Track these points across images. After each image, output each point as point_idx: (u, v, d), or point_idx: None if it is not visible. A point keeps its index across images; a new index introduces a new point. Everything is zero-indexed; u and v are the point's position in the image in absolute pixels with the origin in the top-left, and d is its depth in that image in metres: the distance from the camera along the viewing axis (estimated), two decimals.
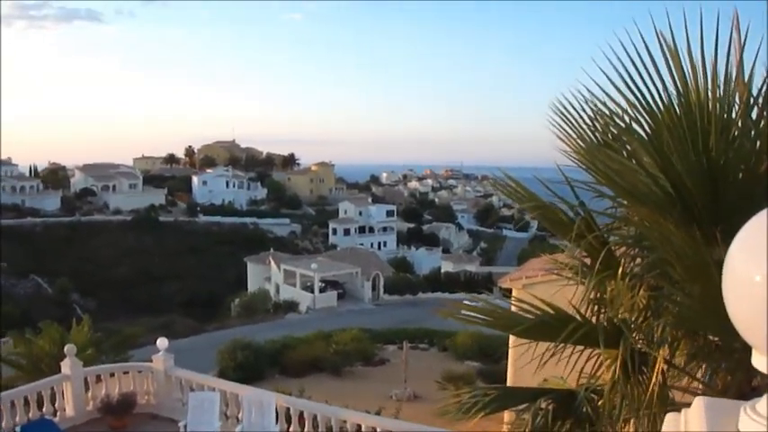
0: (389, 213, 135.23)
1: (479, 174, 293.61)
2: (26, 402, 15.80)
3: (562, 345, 5.16)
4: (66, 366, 16.84)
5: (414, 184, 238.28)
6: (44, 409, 16.11)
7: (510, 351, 17.61)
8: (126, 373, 17.94)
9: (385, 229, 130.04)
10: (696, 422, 1.97)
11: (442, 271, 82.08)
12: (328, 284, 67.82)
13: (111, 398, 17.06)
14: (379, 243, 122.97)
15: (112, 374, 17.88)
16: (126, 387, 17.58)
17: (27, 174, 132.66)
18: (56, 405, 16.55)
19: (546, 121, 5.54)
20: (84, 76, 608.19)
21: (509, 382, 19.05)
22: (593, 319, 5.34)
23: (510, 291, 19.73)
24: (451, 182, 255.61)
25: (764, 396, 1.92)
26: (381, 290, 69.97)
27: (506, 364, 21.91)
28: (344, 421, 14.14)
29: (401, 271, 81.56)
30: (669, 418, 2.18)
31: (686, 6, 4.55)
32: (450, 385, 28.51)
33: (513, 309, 6.04)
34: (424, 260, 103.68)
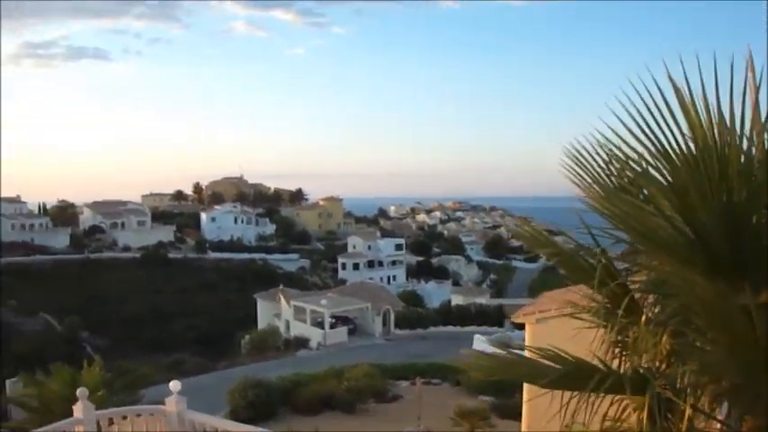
0: (398, 247, 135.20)
1: (487, 205, 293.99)
2: None
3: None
4: (78, 410, 16.73)
5: (422, 216, 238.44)
6: None
7: (525, 387, 17.46)
8: (139, 415, 17.84)
9: (394, 262, 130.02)
10: None
11: (453, 304, 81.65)
12: (339, 320, 67.56)
13: None
14: (389, 277, 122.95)
15: (125, 417, 17.78)
16: (138, 429, 17.48)
17: (36, 211, 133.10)
18: None
19: (554, 153, 5.56)
20: (93, 114, 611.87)
21: (524, 419, 18.95)
22: (615, 364, 5.30)
23: (522, 325, 19.71)
24: (459, 214, 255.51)
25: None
26: (392, 324, 69.66)
27: (520, 398, 21.79)
28: None
29: (411, 305, 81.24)
30: None
31: (700, 50, 4.55)
32: (464, 421, 28.40)
33: (528, 353, 5.97)
34: (434, 293, 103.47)
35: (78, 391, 17.09)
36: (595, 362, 5.28)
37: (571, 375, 5.13)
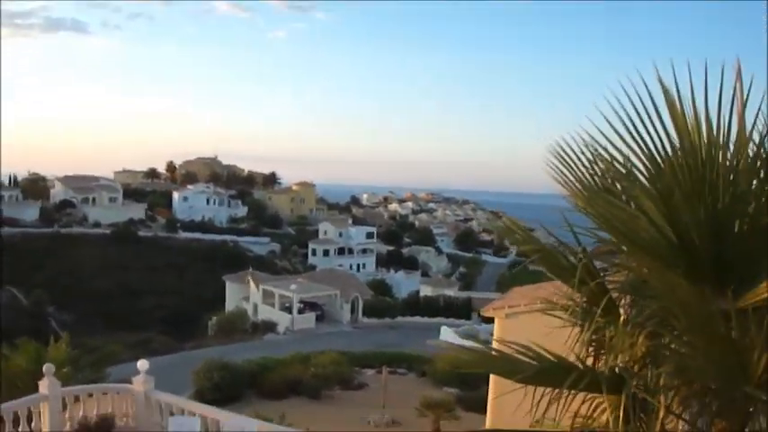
0: (369, 235, 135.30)
1: (460, 198, 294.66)
2: (1, 420, 15.57)
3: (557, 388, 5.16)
4: (44, 386, 16.63)
5: (394, 206, 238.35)
6: (20, 429, 15.90)
7: (492, 380, 17.54)
8: (105, 394, 17.78)
9: (364, 251, 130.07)
10: None
11: (421, 295, 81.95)
12: (307, 306, 67.66)
13: (89, 419, 16.90)
14: (359, 265, 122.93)
15: (91, 395, 17.71)
16: (104, 408, 17.41)
17: (6, 182, 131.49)
18: (32, 425, 16.33)
19: (534, 151, 5.57)
20: (67, 87, 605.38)
21: (489, 412, 19.04)
22: (591, 362, 5.32)
23: (490, 319, 19.75)
24: (432, 205, 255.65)
25: None
26: (360, 312, 69.86)
27: (485, 390, 21.86)
28: None
29: (380, 294, 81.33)
30: None
31: (691, 57, 4.58)
32: (429, 412, 28.51)
33: (501, 347, 5.95)
34: (403, 283, 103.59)
35: (45, 367, 16.98)
36: (571, 359, 5.30)
37: (547, 372, 5.14)
